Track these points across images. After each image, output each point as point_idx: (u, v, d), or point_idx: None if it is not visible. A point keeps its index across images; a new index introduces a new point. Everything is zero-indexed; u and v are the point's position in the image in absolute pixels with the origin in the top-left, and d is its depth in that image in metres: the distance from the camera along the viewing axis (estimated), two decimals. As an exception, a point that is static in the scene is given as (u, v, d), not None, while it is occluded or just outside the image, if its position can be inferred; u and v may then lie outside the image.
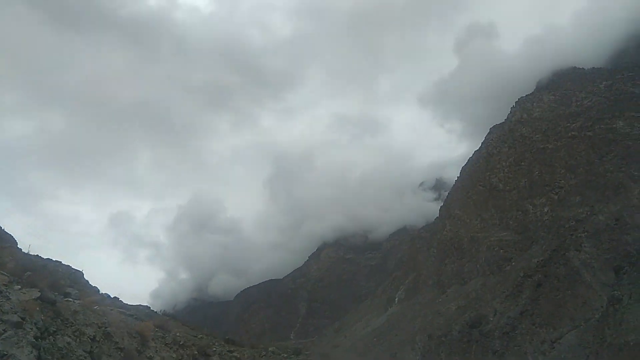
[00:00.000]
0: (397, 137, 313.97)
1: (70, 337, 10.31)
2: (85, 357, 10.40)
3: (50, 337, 9.70)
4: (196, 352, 17.73)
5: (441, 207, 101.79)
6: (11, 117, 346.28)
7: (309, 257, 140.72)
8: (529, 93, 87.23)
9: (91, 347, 10.98)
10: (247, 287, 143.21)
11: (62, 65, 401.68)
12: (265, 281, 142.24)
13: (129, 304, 22.79)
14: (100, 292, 20.53)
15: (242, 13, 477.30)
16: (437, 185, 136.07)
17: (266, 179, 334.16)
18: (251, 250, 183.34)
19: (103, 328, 12.01)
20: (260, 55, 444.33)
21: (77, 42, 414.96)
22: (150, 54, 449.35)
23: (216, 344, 22.12)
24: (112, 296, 22.31)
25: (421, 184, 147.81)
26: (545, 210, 64.97)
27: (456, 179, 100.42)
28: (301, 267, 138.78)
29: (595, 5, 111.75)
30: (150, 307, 24.42)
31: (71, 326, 10.62)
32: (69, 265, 21.28)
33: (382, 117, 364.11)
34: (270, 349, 32.19)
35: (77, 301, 12.19)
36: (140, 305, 21.88)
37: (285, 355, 35.22)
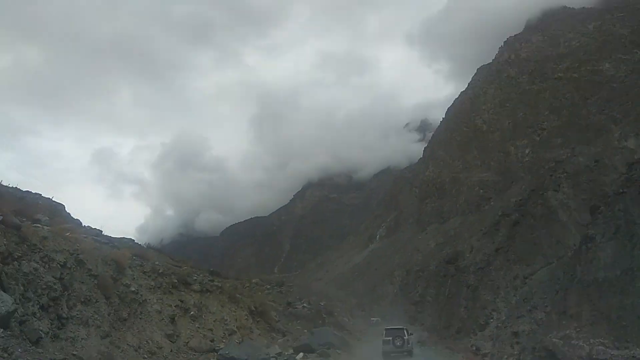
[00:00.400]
0: (383, 77, 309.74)
1: (37, 262, 10.14)
2: (54, 284, 10.31)
3: (15, 262, 9.50)
4: (176, 281, 18.00)
5: (425, 147, 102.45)
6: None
7: (294, 195, 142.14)
8: (517, 33, 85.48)
9: (61, 273, 10.79)
10: (233, 224, 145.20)
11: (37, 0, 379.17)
12: (251, 218, 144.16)
13: (112, 236, 22.90)
14: (84, 226, 20.45)
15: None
16: (422, 127, 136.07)
17: (251, 117, 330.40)
18: (237, 188, 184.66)
19: (75, 255, 11.83)
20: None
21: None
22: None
23: (199, 274, 22.42)
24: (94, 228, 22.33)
25: (406, 124, 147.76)
26: (527, 151, 65.83)
27: (441, 120, 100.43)
28: (286, 205, 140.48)
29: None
30: (134, 240, 24.48)
31: (39, 252, 10.41)
32: (49, 198, 20.94)
33: (369, 56, 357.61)
34: (253, 280, 33.71)
35: (46, 227, 11.89)
36: (124, 237, 21.91)
37: (269, 287, 37.32)
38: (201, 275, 22.39)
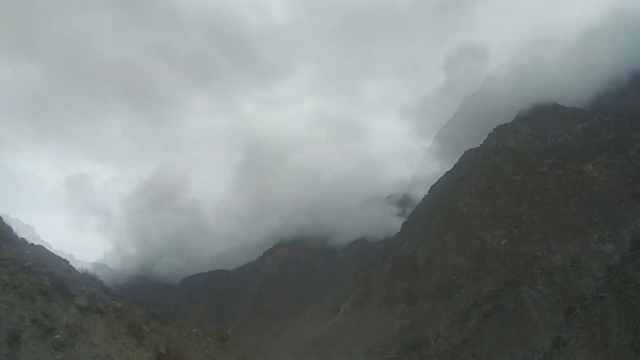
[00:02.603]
0: (374, 145, 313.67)
1: None
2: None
3: None
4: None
5: (404, 222, 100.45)
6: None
7: (263, 252, 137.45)
8: (508, 122, 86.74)
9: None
10: (195, 274, 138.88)
11: (48, 16, 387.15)
12: (215, 270, 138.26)
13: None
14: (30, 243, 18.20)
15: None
16: (404, 201, 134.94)
17: (236, 166, 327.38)
18: (206, 236, 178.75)
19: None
20: (253, 39, 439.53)
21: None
22: (140, 18, 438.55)
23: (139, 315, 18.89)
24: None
25: (388, 197, 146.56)
26: (503, 242, 63.94)
27: (423, 197, 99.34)
28: (254, 262, 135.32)
29: (585, 46, 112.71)
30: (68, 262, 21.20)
31: None
32: (17, 220, 18.40)
33: (363, 123, 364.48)
34: (194, 330, 28.86)
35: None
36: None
37: (209, 340, 31.40)
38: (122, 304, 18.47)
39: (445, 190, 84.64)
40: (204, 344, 31.01)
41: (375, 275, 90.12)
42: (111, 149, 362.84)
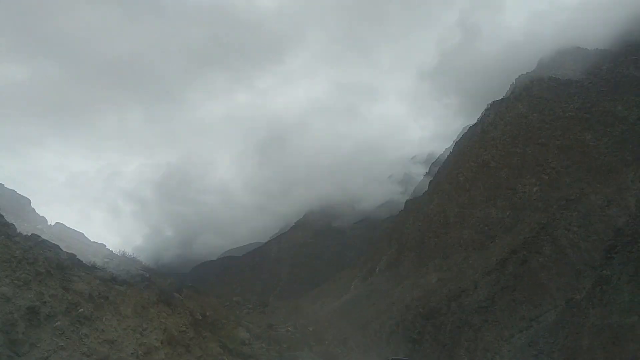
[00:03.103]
0: (394, 108, 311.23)
1: None
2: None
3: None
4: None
5: (431, 181, 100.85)
6: (5, 61, 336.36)
7: (295, 223, 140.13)
8: (530, 71, 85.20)
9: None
10: (232, 248, 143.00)
11: (60, 12, 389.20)
12: (250, 244, 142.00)
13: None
14: (48, 224, 19.45)
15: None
16: (428, 160, 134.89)
17: (258, 142, 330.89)
18: (238, 212, 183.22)
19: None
20: (262, 15, 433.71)
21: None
22: (149, 8, 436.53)
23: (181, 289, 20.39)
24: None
25: (413, 157, 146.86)
26: (535, 190, 64.17)
27: (449, 153, 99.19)
28: (286, 233, 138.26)
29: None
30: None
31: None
32: (13, 190, 19.71)
33: (381, 86, 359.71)
34: (234, 298, 31.34)
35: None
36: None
37: (250, 306, 33.94)
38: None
39: (471, 145, 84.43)
40: (246, 311, 32.99)
41: (407, 234, 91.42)
42: (136, 138, 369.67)
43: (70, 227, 22.57)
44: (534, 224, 43.74)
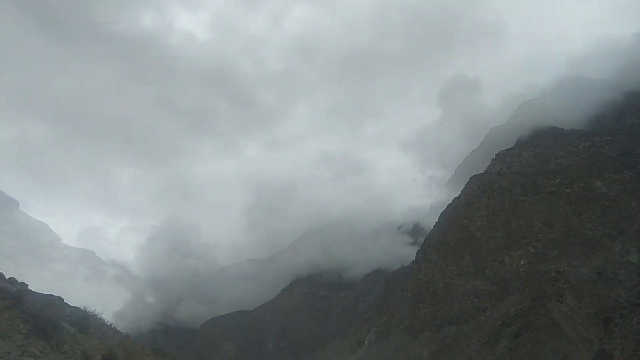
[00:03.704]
0: (378, 179, 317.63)
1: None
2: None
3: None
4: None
5: (418, 250, 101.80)
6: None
7: (281, 290, 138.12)
8: (509, 147, 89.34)
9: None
10: (216, 317, 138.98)
11: (49, 74, 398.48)
12: (235, 312, 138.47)
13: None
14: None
15: (237, 44, 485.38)
16: (414, 230, 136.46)
17: (245, 208, 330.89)
18: (223, 278, 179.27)
19: None
20: (251, 86, 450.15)
21: (67, 52, 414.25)
22: (139, 73, 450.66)
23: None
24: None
25: (399, 227, 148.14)
26: (522, 262, 65.62)
27: (434, 224, 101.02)
28: (272, 301, 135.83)
29: (574, 71, 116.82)
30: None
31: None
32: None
33: (365, 158, 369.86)
34: None
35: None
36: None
37: None
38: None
39: (456, 216, 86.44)
40: None
41: (396, 305, 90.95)
42: (122, 201, 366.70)
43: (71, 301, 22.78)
44: (524, 296, 44.70)
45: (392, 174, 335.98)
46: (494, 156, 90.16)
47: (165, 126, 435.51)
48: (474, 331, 53.57)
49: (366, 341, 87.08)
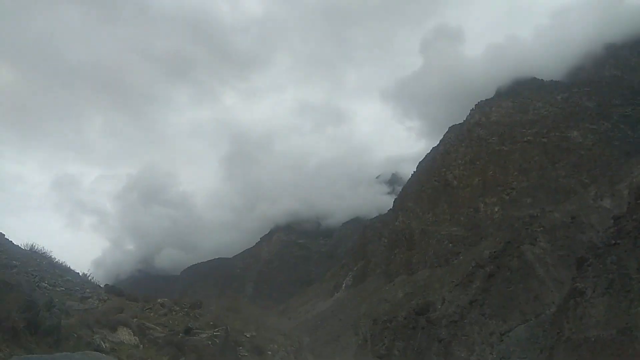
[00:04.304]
0: (358, 129, 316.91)
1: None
2: None
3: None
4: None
5: (395, 198, 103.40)
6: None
7: (260, 238, 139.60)
8: (488, 98, 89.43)
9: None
10: (195, 263, 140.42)
11: (15, 17, 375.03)
12: (214, 259, 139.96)
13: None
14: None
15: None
16: (392, 180, 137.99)
17: (223, 156, 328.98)
18: (202, 226, 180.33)
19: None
20: (228, 31, 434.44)
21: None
22: (110, 15, 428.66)
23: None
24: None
25: (377, 176, 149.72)
26: (496, 209, 67.32)
27: (412, 173, 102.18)
28: (251, 248, 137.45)
29: (556, 23, 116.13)
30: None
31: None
32: None
33: (345, 108, 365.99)
34: (159, 300, 24.14)
35: None
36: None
37: (178, 308, 24.57)
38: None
39: (434, 165, 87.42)
40: (174, 313, 26.20)
41: (373, 251, 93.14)
42: (96, 148, 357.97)
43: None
44: (498, 240, 45.95)
45: (372, 124, 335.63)
46: (473, 106, 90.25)
47: (139, 72, 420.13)
48: (447, 274, 55.34)
49: (343, 285, 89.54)
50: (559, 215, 34.58)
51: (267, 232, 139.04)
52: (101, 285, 23.89)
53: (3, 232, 20.50)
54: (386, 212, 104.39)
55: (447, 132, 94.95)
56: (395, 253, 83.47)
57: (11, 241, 20.24)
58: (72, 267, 22.32)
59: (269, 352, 26.03)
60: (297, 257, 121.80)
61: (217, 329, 21.76)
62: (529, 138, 72.31)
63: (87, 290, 19.07)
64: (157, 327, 19.66)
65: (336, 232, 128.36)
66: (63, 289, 16.55)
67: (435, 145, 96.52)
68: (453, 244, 68.60)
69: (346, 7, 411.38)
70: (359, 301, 75.39)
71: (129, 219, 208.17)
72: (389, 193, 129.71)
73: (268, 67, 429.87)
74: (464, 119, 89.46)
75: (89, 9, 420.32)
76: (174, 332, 19.72)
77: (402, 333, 49.18)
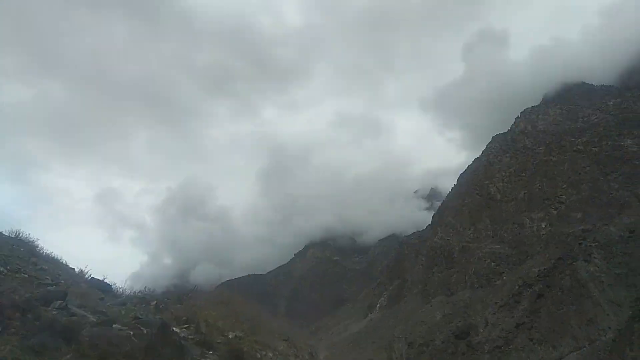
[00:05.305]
0: (397, 141, 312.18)
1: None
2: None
3: None
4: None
5: (434, 214, 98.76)
6: (11, 82, 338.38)
7: (294, 254, 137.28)
8: (534, 105, 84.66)
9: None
10: (229, 279, 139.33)
11: (65, 34, 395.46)
12: (248, 275, 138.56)
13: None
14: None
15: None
16: (431, 195, 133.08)
17: (261, 170, 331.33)
18: (237, 241, 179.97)
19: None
20: (269, 44, 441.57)
21: (82, 10, 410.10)
22: (155, 30, 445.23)
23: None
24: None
25: (416, 191, 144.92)
26: (543, 225, 62.16)
27: (452, 187, 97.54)
28: (286, 264, 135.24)
29: (606, 22, 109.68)
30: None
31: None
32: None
33: (385, 119, 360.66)
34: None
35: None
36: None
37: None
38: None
39: (476, 177, 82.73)
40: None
41: (409, 269, 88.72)
42: (139, 163, 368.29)
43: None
44: (548, 257, 41.44)
45: (410, 136, 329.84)
46: (519, 114, 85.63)
47: (181, 86, 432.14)
48: (490, 294, 50.75)
49: (377, 305, 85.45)
50: (615, 229, 30.30)
51: (301, 248, 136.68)
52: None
53: None
54: (424, 228, 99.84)
55: (490, 142, 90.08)
56: (433, 272, 78.90)
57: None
58: (66, 262, 20.48)
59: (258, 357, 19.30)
60: (331, 275, 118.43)
61: (188, 325, 17.15)
62: (578, 147, 66.96)
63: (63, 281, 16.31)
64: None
65: (372, 248, 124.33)
66: (26, 275, 14.15)
67: (478, 156, 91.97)
68: (496, 262, 63.72)
69: (386, 14, 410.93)
70: (393, 323, 71.19)
71: (167, 232, 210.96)
72: (427, 208, 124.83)
73: (307, 79, 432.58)
74: (509, 127, 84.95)
75: (135, 25, 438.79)
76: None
77: (440, 358, 45.15)
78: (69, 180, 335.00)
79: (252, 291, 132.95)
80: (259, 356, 19.00)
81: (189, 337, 15.48)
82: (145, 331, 12.35)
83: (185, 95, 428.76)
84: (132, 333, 11.84)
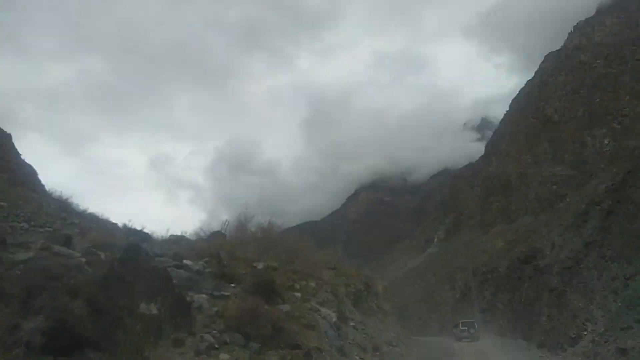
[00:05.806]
0: (441, 74, 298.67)
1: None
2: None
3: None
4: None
5: (487, 143, 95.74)
6: (52, 62, 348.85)
7: (346, 199, 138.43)
8: (588, 17, 78.21)
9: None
10: (285, 229, 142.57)
11: (97, 9, 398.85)
12: (303, 223, 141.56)
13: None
14: None
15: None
16: (482, 125, 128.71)
17: (303, 120, 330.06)
18: (288, 192, 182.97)
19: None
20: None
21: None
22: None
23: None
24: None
25: (465, 123, 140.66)
26: (606, 141, 59.03)
27: (504, 113, 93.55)
28: (339, 209, 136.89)
29: None
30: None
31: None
32: None
33: (426, 54, 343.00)
34: None
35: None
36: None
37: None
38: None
39: (530, 100, 78.76)
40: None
41: (465, 202, 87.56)
42: (184, 126, 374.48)
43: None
44: (616, 171, 39.25)
45: (455, 66, 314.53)
46: (572, 28, 79.48)
47: (215, 45, 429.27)
48: (554, 218, 49.22)
49: (435, 239, 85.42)
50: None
51: (352, 193, 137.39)
52: None
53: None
54: (477, 159, 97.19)
55: (542, 61, 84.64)
56: (490, 202, 77.46)
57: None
58: (107, 218, 20.75)
59: (297, 293, 16.34)
60: (384, 215, 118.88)
61: (206, 259, 14.77)
62: (640, 56, 61.90)
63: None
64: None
65: (424, 186, 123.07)
66: (50, 229, 13.89)
67: (530, 78, 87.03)
68: (557, 185, 61.62)
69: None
70: (453, 255, 71.19)
71: (220, 190, 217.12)
72: (478, 139, 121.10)
73: (340, 22, 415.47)
74: (561, 44, 79.27)
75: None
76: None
77: (505, 284, 44.74)
78: (121, 150, 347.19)
79: (309, 238, 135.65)
80: (298, 287, 16.83)
81: (206, 270, 13.71)
82: (103, 256, 10.11)
83: (220, 54, 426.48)
84: (84, 260, 9.83)
